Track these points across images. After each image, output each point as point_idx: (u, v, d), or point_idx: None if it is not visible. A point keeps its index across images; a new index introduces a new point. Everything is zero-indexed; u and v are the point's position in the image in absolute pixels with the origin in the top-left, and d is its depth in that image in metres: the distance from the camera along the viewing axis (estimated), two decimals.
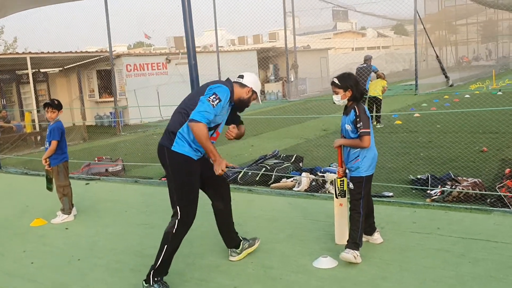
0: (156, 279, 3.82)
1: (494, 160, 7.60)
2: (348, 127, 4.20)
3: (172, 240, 3.85)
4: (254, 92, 4.13)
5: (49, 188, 6.35)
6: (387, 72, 39.81)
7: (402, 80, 32.00)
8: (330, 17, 46.11)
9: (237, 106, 4.11)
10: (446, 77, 23.44)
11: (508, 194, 5.31)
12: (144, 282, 3.87)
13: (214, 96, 3.76)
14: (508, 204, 5.24)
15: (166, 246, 3.84)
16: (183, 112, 3.85)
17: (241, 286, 3.93)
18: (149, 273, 3.85)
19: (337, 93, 4.20)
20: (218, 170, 3.85)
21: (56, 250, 5.15)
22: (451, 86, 22.92)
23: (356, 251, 4.11)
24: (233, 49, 28.15)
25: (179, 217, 3.86)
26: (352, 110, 4.16)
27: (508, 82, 22.85)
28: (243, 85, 4.08)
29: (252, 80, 4.14)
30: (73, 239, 5.46)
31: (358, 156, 4.18)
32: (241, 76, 4.15)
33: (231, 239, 4.40)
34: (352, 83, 4.16)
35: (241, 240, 4.44)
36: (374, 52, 41.00)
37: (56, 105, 6.23)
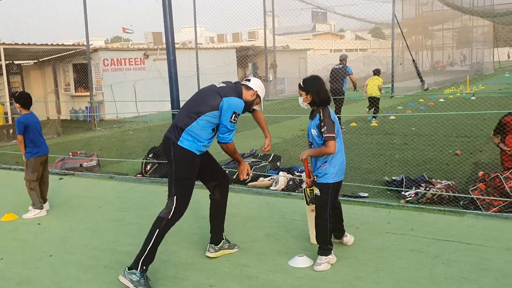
0: (144, 267, 3.85)
1: (467, 163, 7.75)
2: (314, 131, 4.12)
3: (164, 226, 3.95)
4: (258, 96, 4.30)
5: None
6: (364, 75, 40.24)
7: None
8: (309, 18, 46.40)
9: (245, 107, 4.23)
10: (422, 81, 23.88)
11: (481, 197, 5.42)
12: (127, 268, 3.85)
13: (234, 115, 4.03)
14: (481, 206, 5.35)
15: (157, 230, 3.92)
16: (193, 112, 4.04)
17: (216, 284, 3.91)
18: (137, 260, 3.86)
19: (301, 95, 4.23)
20: (244, 174, 4.46)
21: (27, 246, 5.03)
22: (426, 90, 23.34)
23: (328, 256, 4.11)
24: (212, 47, 28.03)
25: (175, 205, 3.98)
26: (318, 114, 4.07)
27: (481, 87, 23.37)
28: (249, 88, 4.25)
29: (258, 85, 4.33)
30: (45, 235, 5.34)
31: (326, 162, 4.09)
32: (248, 80, 4.34)
33: (216, 234, 4.48)
34: (313, 89, 4.10)
35: (223, 239, 4.50)
36: (352, 54, 41.39)
37: (16, 98, 6.13)
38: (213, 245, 4.46)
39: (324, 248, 4.12)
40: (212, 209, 4.50)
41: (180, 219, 4.05)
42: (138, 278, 3.78)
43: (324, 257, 4.10)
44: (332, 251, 4.16)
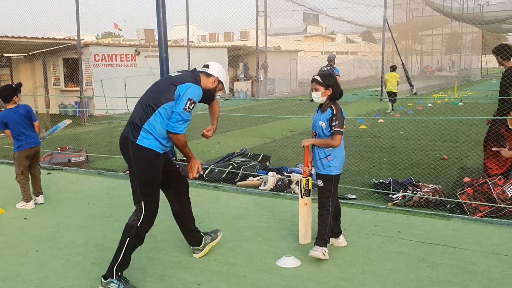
0: (119, 273, 3.75)
1: (453, 168, 7.83)
2: (323, 124, 4.22)
3: (135, 234, 3.76)
4: (220, 82, 4.06)
5: None
6: (354, 78, 40.55)
7: (368, 86, 32.60)
8: (301, 20, 46.46)
9: (204, 97, 3.96)
10: (411, 85, 24.09)
11: (468, 201, 5.49)
12: (102, 278, 3.76)
13: (189, 102, 3.71)
14: (467, 211, 5.42)
15: (128, 238, 3.75)
16: (149, 106, 3.74)
17: (204, 282, 3.91)
18: (111, 268, 3.75)
19: (317, 90, 4.22)
20: (194, 172, 3.99)
21: (12, 240, 4.99)
22: (415, 94, 23.55)
23: (324, 248, 4.19)
24: (203, 45, 27.98)
25: (143, 212, 3.76)
26: (329, 109, 4.20)
27: (469, 93, 23.62)
28: (208, 75, 4.00)
29: (218, 69, 4.06)
30: (32, 230, 5.30)
31: (330, 154, 4.22)
32: (206, 66, 4.06)
33: (193, 238, 4.35)
34: (333, 82, 4.22)
35: (203, 236, 4.39)
36: (342, 57, 41.66)
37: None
38: (196, 247, 4.37)
39: (320, 239, 4.21)
40: (177, 219, 4.27)
41: (166, 219, 3.99)
42: (117, 286, 3.70)
43: (321, 247, 4.18)
44: (327, 246, 4.24)
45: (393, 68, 17.46)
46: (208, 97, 4.03)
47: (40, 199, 6.29)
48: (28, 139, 6.12)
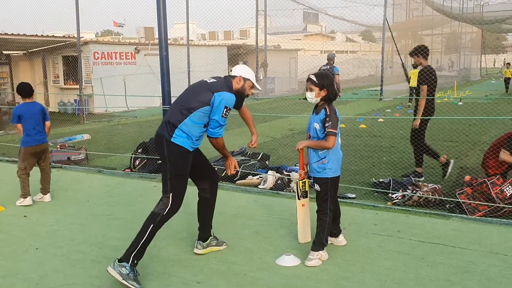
0: (136, 261, 3.83)
1: (453, 168, 7.83)
2: (317, 125, 4.18)
3: (159, 222, 3.95)
4: (245, 79, 4.22)
5: None
6: (354, 77, 40.59)
7: (367, 86, 32.62)
8: (301, 19, 46.46)
9: (236, 100, 4.20)
10: None
11: (467, 201, 5.50)
12: (118, 259, 3.81)
13: (225, 110, 4.00)
14: (466, 210, 5.43)
15: (152, 225, 3.91)
16: (186, 109, 4.02)
17: (204, 281, 3.92)
18: (128, 254, 3.82)
19: (311, 90, 4.17)
20: (232, 169, 4.45)
21: (12, 238, 4.99)
22: None
23: (321, 252, 4.19)
24: (203, 44, 27.97)
25: (171, 203, 3.98)
26: (323, 110, 4.14)
27: (468, 93, 23.64)
28: (233, 77, 4.22)
29: (240, 69, 4.28)
30: (32, 228, 5.30)
31: (325, 157, 4.18)
32: (231, 70, 4.34)
33: (204, 231, 4.48)
34: (328, 83, 4.16)
35: (211, 236, 4.52)
36: (342, 56, 41.68)
37: (16, 88, 6.24)
38: (201, 242, 4.47)
39: (318, 243, 4.20)
40: (201, 206, 4.48)
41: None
42: (128, 272, 3.75)
43: (316, 253, 4.17)
44: (325, 248, 4.24)
45: (415, 66, 17.73)
46: (240, 99, 4.31)
47: (47, 197, 6.31)
48: (36, 135, 6.16)
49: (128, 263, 3.79)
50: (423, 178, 7.02)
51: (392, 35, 23.64)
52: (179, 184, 4.05)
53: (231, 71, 4.33)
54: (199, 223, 4.51)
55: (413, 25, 37.48)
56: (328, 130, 4.07)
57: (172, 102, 8.16)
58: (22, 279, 4.03)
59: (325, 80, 4.15)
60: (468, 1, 32.43)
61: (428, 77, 7.15)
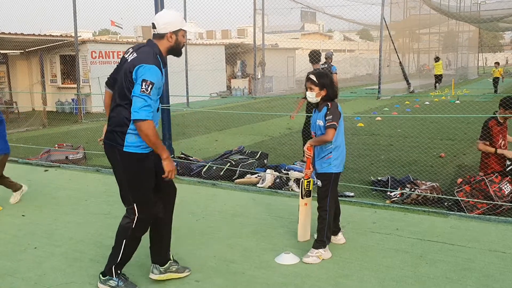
0: (118, 272, 3.70)
1: (451, 166, 7.86)
2: (320, 122, 4.20)
3: (131, 236, 3.63)
4: (175, 32, 3.56)
5: None
6: (351, 75, 40.60)
7: (365, 84, 32.64)
8: (299, 18, 46.50)
9: (173, 55, 3.69)
10: (408, 83, 24.13)
11: (465, 199, 5.51)
12: (101, 275, 3.72)
13: (144, 84, 3.31)
14: (464, 208, 5.44)
15: (124, 241, 3.63)
16: (125, 105, 3.45)
17: (203, 279, 3.91)
18: (109, 268, 3.68)
19: (312, 90, 4.19)
20: (171, 173, 3.51)
21: (10, 237, 4.97)
22: (412, 92, 23.59)
23: (321, 250, 4.19)
24: (201, 43, 27.94)
25: (137, 215, 3.59)
26: (325, 106, 4.17)
27: (465, 91, 23.67)
28: (161, 36, 3.55)
29: (164, 23, 3.54)
30: (30, 227, 5.29)
31: (331, 152, 4.21)
32: (153, 26, 3.58)
33: (160, 255, 3.88)
34: (329, 83, 4.17)
35: (170, 260, 3.93)
36: (340, 55, 41.70)
37: None
38: (157, 266, 3.88)
39: (318, 241, 4.22)
40: (154, 228, 3.81)
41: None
42: (116, 283, 3.66)
43: (316, 251, 4.19)
44: (327, 247, 4.24)
45: (437, 58, 26.47)
46: (177, 52, 3.69)
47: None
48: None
49: (112, 276, 3.66)
50: None
51: (389, 34, 23.65)
52: (142, 193, 3.62)
53: (153, 26, 3.58)
54: (151, 247, 3.91)
55: (410, 23, 37.50)
56: (329, 123, 4.07)
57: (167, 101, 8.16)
58: (20, 278, 4.02)
59: (325, 79, 4.16)
60: (465, 0, 32.47)
61: None
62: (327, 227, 4.22)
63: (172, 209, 3.92)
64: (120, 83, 3.49)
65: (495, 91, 22.79)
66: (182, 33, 3.62)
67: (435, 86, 25.25)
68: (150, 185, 3.66)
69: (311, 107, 7.36)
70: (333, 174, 4.23)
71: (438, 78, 25.55)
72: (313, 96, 4.19)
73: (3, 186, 6.18)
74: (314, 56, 8.29)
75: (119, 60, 3.68)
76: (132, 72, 3.38)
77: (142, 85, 3.31)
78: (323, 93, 4.18)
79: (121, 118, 3.47)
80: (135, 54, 3.49)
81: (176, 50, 3.66)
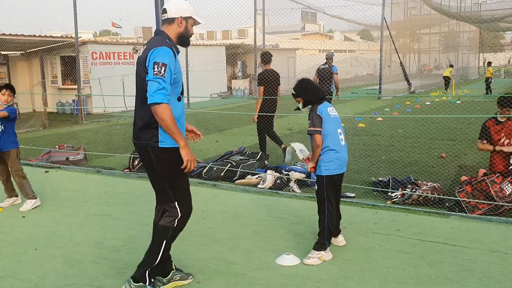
0: (152, 279, 3.55)
1: (451, 166, 7.85)
2: None
3: (171, 236, 3.53)
4: (186, 18, 3.49)
5: None
6: (352, 76, 40.59)
7: (365, 85, 32.63)
8: (299, 18, 46.53)
9: (181, 45, 3.59)
10: (409, 83, 24.13)
11: (466, 199, 5.50)
12: (132, 279, 3.53)
13: (156, 66, 3.21)
14: (466, 209, 5.42)
15: (165, 241, 3.50)
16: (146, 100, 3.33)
17: (203, 281, 3.90)
18: (143, 272, 3.51)
19: (297, 101, 4.47)
20: (190, 162, 3.34)
21: (11, 239, 4.97)
22: (413, 92, 23.58)
23: (322, 252, 4.19)
24: (201, 43, 27.94)
25: (179, 215, 3.49)
26: (309, 112, 4.35)
27: (466, 91, 23.66)
28: (171, 20, 3.47)
29: (175, 7, 3.47)
30: (30, 228, 5.28)
31: (320, 155, 4.27)
32: (164, 11, 3.50)
33: (163, 265, 3.70)
34: (300, 92, 4.38)
35: (173, 270, 3.80)
36: (340, 55, 41.68)
37: (11, 88, 6.15)
38: (160, 278, 3.71)
39: (319, 243, 4.23)
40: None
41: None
42: None
43: (316, 252, 4.19)
44: (328, 248, 4.25)
45: (451, 66, 27.01)
46: (185, 41, 3.57)
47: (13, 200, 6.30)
48: None
49: (145, 283, 3.51)
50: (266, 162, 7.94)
51: (390, 34, 23.66)
52: (181, 188, 3.55)
53: (164, 11, 3.49)
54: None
55: (411, 24, 37.51)
56: (308, 129, 4.25)
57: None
58: (21, 280, 4.01)
59: (298, 88, 4.42)
60: (466, 0, 32.46)
61: (265, 79, 8.40)
62: (327, 229, 4.21)
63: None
64: (140, 81, 3.40)
65: (487, 92, 22.11)
66: (191, 22, 3.54)
67: (446, 88, 24.35)
68: (188, 179, 3.62)
69: (265, 107, 8.48)
70: (324, 177, 4.22)
71: (447, 80, 24.83)
72: (300, 105, 4.44)
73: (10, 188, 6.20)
74: (264, 57, 8.64)
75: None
76: (145, 62, 3.30)
77: (154, 68, 3.21)
78: (302, 99, 4.38)
79: (146, 114, 3.35)
80: (145, 47, 3.43)
81: (185, 38, 3.54)
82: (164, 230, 3.51)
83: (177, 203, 3.50)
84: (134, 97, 3.57)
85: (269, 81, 8.45)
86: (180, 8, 3.47)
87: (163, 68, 3.21)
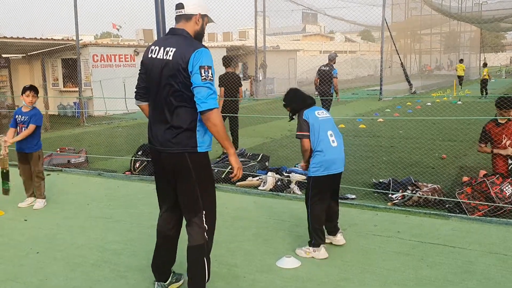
0: None
1: (452, 167, 7.85)
2: None
3: (208, 249, 3.42)
4: (202, 17, 3.35)
5: (6, 188, 6.04)
6: (352, 77, 40.60)
7: (366, 85, 32.63)
8: (300, 19, 46.55)
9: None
10: (410, 84, 24.13)
11: (466, 201, 5.50)
12: None
13: (203, 70, 3.08)
14: (466, 210, 5.43)
15: (205, 258, 3.36)
16: (185, 105, 3.19)
17: None
18: None
19: (288, 110, 4.69)
20: (240, 170, 3.31)
21: (12, 242, 4.99)
22: (414, 93, 23.57)
23: (310, 248, 4.35)
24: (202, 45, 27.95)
25: (206, 224, 3.35)
26: (297, 118, 4.53)
27: (467, 92, 23.65)
28: (188, 17, 3.30)
29: (195, 3, 3.31)
30: (32, 231, 5.30)
31: (312, 158, 4.41)
32: (181, 6, 3.30)
33: (165, 272, 3.70)
34: (287, 102, 4.62)
35: (172, 273, 3.78)
36: (341, 57, 41.65)
37: (36, 89, 6.35)
38: (161, 283, 3.70)
39: (310, 239, 4.39)
40: (166, 243, 3.62)
41: None
42: None
43: (306, 247, 4.39)
44: (321, 247, 4.32)
45: (461, 61, 27.26)
46: (200, 38, 3.40)
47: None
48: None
49: None
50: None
51: (391, 35, 23.66)
52: (212, 195, 3.45)
53: (181, 6, 3.29)
54: (162, 265, 3.69)
55: (412, 24, 37.53)
56: (296, 135, 4.44)
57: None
58: (22, 283, 4.03)
59: (286, 98, 4.65)
60: (466, 0, 32.46)
61: (225, 81, 9.15)
62: (311, 228, 4.35)
63: (181, 224, 3.67)
64: (170, 86, 3.18)
65: (482, 95, 20.62)
66: (206, 21, 3.41)
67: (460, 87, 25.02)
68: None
69: (226, 108, 9.11)
70: (311, 178, 4.37)
71: (460, 79, 25.38)
72: (290, 114, 4.68)
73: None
74: (225, 61, 9.41)
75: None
76: (186, 65, 3.10)
77: (201, 73, 3.07)
78: (290, 108, 4.60)
79: (186, 119, 3.20)
80: (172, 49, 3.19)
81: (200, 37, 3.38)
82: (198, 249, 3.34)
83: (205, 213, 3.35)
84: (150, 103, 3.45)
85: (228, 82, 9.10)
86: (199, 5, 3.32)
87: (209, 72, 3.10)
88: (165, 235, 3.59)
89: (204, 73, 3.08)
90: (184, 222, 3.53)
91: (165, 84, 3.22)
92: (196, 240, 3.33)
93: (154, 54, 3.30)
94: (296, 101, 4.58)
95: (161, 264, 3.68)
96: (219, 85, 9.29)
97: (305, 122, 4.38)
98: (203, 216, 3.34)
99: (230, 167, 7.35)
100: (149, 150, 3.48)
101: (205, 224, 3.36)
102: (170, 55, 3.18)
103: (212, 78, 3.11)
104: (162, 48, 3.26)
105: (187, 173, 3.27)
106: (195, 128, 3.22)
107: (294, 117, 4.65)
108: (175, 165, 3.29)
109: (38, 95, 6.31)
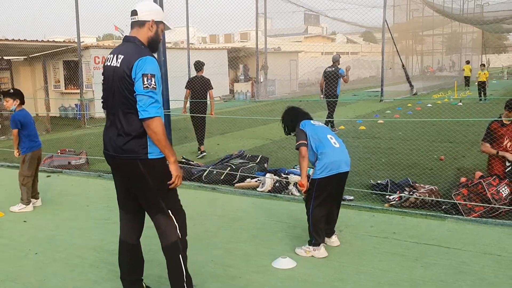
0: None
1: (450, 169, 7.88)
2: None
3: (182, 245, 3.44)
4: (157, 23, 3.35)
5: None
6: (354, 78, 40.53)
7: (368, 87, 32.64)
8: (302, 21, 46.56)
9: (149, 48, 3.39)
10: (411, 85, 24.14)
11: (462, 202, 5.53)
12: None
13: (146, 79, 3.09)
14: (462, 211, 5.46)
15: (180, 256, 3.40)
16: (135, 112, 3.19)
17: (200, 284, 3.95)
18: None
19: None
20: (179, 178, 3.32)
21: (12, 243, 5.04)
22: (415, 94, 23.59)
23: (310, 247, 4.42)
24: (204, 47, 28.05)
25: (175, 221, 3.38)
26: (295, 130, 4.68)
27: (468, 93, 23.65)
28: (142, 23, 3.31)
29: (148, 9, 3.33)
30: (31, 232, 5.36)
31: (316, 161, 4.50)
32: (135, 12, 3.32)
33: (138, 284, 3.65)
34: (286, 118, 4.84)
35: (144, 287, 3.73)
36: (343, 58, 41.69)
37: (10, 94, 6.19)
38: None
39: (308, 240, 4.48)
40: (130, 253, 3.58)
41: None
42: None
43: (306, 246, 4.46)
44: (321, 246, 4.40)
45: (467, 62, 27.38)
46: (155, 45, 3.41)
47: (39, 201, 6.38)
48: (39, 140, 6.41)
49: None
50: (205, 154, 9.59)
51: (392, 36, 23.68)
52: (174, 196, 3.47)
53: (134, 13, 3.31)
54: (131, 275, 3.61)
55: (413, 26, 37.53)
56: (295, 145, 4.53)
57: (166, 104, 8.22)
58: (21, 283, 4.08)
59: (283, 117, 4.88)
60: (468, 2, 32.45)
61: (191, 84, 9.77)
62: (312, 228, 4.41)
63: (141, 234, 3.64)
64: (119, 93, 3.21)
65: (480, 99, 19.87)
66: (162, 28, 3.40)
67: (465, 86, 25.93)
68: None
69: (194, 109, 9.68)
70: (316, 180, 4.43)
71: (467, 80, 25.95)
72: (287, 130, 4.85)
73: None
74: (196, 65, 9.93)
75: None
76: (130, 72, 3.13)
77: (144, 80, 3.08)
78: (287, 126, 4.80)
79: (135, 126, 3.21)
80: (121, 56, 3.22)
81: (155, 43, 3.39)
82: (172, 247, 3.38)
83: (170, 212, 3.39)
84: (106, 110, 3.44)
85: (195, 85, 9.66)
86: (153, 11, 3.34)
87: (152, 80, 3.10)
88: (132, 246, 3.57)
89: (147, 81, 3.09)
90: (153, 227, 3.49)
91: (115, 91, 3.26)
92: (169, 236, 3.36)
93: (108, 62, 3.34)
94: (292, 119, 4.77)
95: (133, 272, 3.63)
96: (185, 87, 9.81)
97: (302, 131, 4.54)
98: (171, 214, 3.38)
99: (228, 168, 7.43)
100: (104, 155, 3.48)
101: (176, 222, 3.39)
102: (119, 62, 3.22)
103: (155, 87, 3.11)
104: (115, 55, 3.29)
105: (142, 180, 3.29)
106: (146, 135, 3.23)
107: (291, 133, 4.77)
108: (129, 172, 3.33)
109: (18, 97, 6.19)
